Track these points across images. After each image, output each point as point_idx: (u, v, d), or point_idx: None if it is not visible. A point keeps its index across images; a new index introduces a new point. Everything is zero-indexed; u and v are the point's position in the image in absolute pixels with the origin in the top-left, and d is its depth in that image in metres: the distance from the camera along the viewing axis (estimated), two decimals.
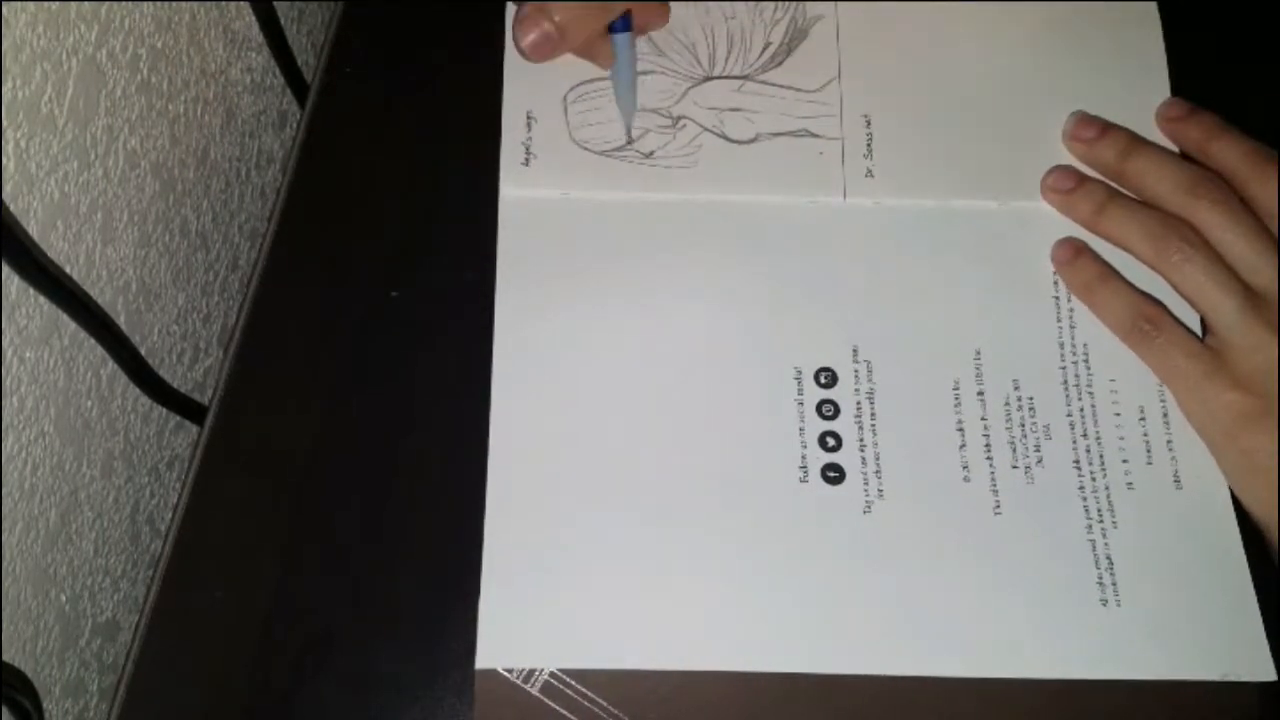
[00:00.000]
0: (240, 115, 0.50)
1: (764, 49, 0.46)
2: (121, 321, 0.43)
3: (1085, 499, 0.39)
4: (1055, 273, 0.42)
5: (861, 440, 0.40)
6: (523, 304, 0.41)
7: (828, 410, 0.40)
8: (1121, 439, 0.40)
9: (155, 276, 0.45)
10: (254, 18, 0.49)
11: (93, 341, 0.41)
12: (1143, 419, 0.40)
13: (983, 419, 0.40)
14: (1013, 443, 0.40)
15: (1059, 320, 0.41)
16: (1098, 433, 0.40)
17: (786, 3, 0.46)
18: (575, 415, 0.40)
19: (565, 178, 0.44)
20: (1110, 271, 0.41)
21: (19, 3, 0.33)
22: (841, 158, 0.44)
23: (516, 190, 0.43)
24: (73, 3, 0.36)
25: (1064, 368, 0.41)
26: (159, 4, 0.41)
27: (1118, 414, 0.40)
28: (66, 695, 0.43)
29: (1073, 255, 0.42)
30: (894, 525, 0.38)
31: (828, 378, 0.41)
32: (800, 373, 0.41)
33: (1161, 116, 0.43)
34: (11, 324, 0.35)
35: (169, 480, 0.50)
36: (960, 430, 0.40)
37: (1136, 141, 0.42)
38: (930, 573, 0.38)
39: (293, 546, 0.40)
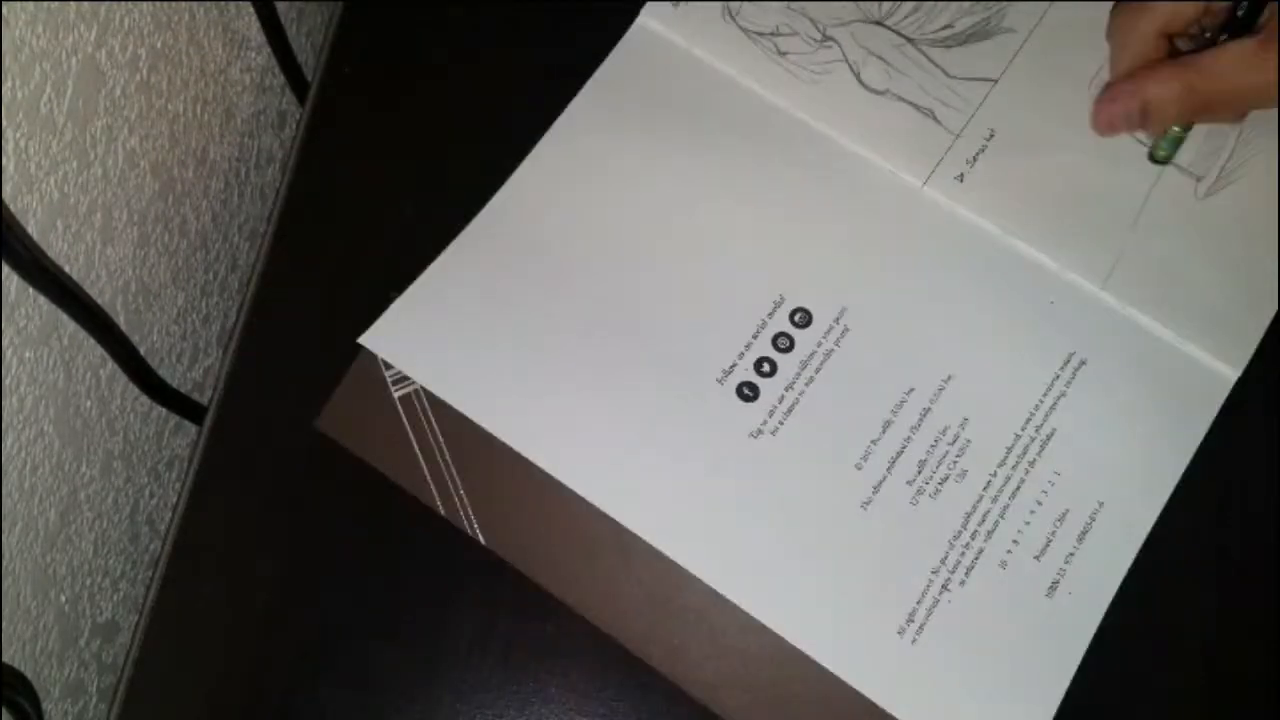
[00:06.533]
0: (240, 115, 0.50)
1: (943, 28, 0.45)
2: (121, 321, 0.43)
3: (951, 547, 0.38)
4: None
5: (794, 380, 0.40)
6: (590, 118, 0.44)
7: (783, 344, 0.41)
8: (1027, 523, 0.39)
9: (155, 276, 0.45)
10: (254, 18, 0.49)
11: (93, 341, 0.41)
12: (1060, 521, 0.39)
13: (912, 428, 0.40)
14: (922, 464, 0.39)
15: (1043, 395, 0.40)
16: (1007, 504, 0.39)
17: (990, 1, 0.46)
18: (574, 230, 0.42)
19: (699, 36, 0.45)
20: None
21: (19, 3, 0.33)
22: (945, 152, 0.43)
23: (654, 23, 0.45)
24: (73, 3, 0.36)
25: (1019, 435, 0.40)
26: (159, 4, 0.41)
27: (1039, 503, 0.39)
28: (66, 696, 0.43)
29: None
30: (769, 459, 0.39)
31: (802, 318, 0.41)
32: (782, 300, 0.41)
33: None
34: (11, 324, 0.35)
35: (169, 480, 0.50)
36: (885, 427, 0.40)
37: None
38: (774, 514, 0.39)
39: (293, 546, 0.40)
